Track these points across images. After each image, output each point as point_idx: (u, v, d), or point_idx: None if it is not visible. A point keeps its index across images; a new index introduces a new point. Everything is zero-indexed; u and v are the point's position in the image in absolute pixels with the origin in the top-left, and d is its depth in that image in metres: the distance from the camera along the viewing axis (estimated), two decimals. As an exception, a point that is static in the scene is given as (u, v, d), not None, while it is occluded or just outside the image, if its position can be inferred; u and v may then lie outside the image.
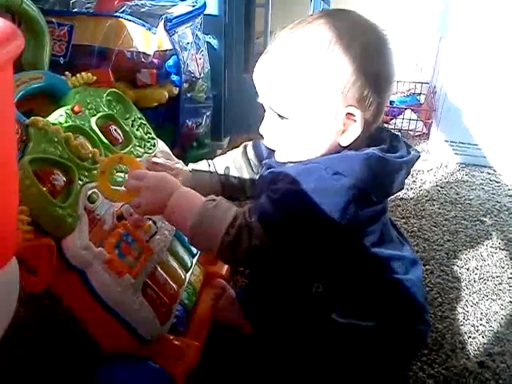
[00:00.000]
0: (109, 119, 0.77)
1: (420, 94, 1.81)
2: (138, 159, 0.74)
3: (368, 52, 0.60)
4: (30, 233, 0.55)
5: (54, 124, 0.66)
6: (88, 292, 0.63)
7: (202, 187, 0.72)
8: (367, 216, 0.61)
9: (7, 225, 0.44)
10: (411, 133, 1.63)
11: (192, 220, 0.60)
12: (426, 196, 1.28)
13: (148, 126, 0.84)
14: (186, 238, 0.74)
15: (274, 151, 0.68)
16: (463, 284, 0.97)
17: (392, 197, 0.70)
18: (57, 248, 0.59)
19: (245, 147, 0.80)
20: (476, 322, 0.88)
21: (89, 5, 1.08)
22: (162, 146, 0.85)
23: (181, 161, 0.83)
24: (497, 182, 1.36)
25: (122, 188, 0.66)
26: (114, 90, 0.83)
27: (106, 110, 0.78)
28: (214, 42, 1.33)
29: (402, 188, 0.65)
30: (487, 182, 1.37)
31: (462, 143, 1.45)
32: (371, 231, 0.63)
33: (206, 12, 1.18)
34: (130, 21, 1.02)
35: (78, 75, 0.78)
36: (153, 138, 0.83)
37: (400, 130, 1.62)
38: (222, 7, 1.30)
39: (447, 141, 1.47)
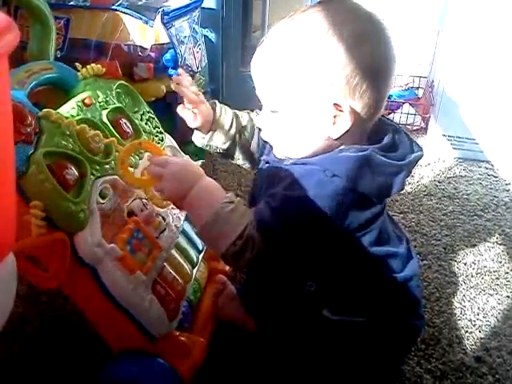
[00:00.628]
0: (119, 112, 0.76)
1: (418, 88, 1.80)
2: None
3: (359, 40, 0.57)
4: (43, 228, 0.55)
5: (66, 117, 0.65)
6: (99, 289, 0.62)
7: (219, 131, 0.74)
8: (366, 218, 0.61)
9: (2, 221, 0.43)
10: (409, 127, 1.63)
11: (206, 219, 0.60)
12: (424, 191, 1.28)
13: (156, 120, 0.83)
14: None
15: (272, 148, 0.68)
16: (460, 279, 0.97)
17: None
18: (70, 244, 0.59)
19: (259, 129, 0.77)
20: (473, 316, 0.89)
21: (85, -3, 1.08)
22: (169, 140, 0.84)
23: (187, 156, 0.82)
24: (494, 177, 1.36)
25: (140, 174, 0.66)
26: (123, 82, 0.81)
27: (116, 102, 0.76)
28: (212, 36, 1.33)
29: (403, 189, 0.63)
30: (485, 176, 1.37)
31: (460, 138, 1.45)
32: (370, 231, 0.63)
33: (203, 5, 1.18)
34: (126, 14, 1.02)
35: (88, 67, 0.76)
36: (161, 133, 0.82)
37: (398, 125, 1.61)
38: (220, 1, 1.29)
39: (445, 135, 1.47)
